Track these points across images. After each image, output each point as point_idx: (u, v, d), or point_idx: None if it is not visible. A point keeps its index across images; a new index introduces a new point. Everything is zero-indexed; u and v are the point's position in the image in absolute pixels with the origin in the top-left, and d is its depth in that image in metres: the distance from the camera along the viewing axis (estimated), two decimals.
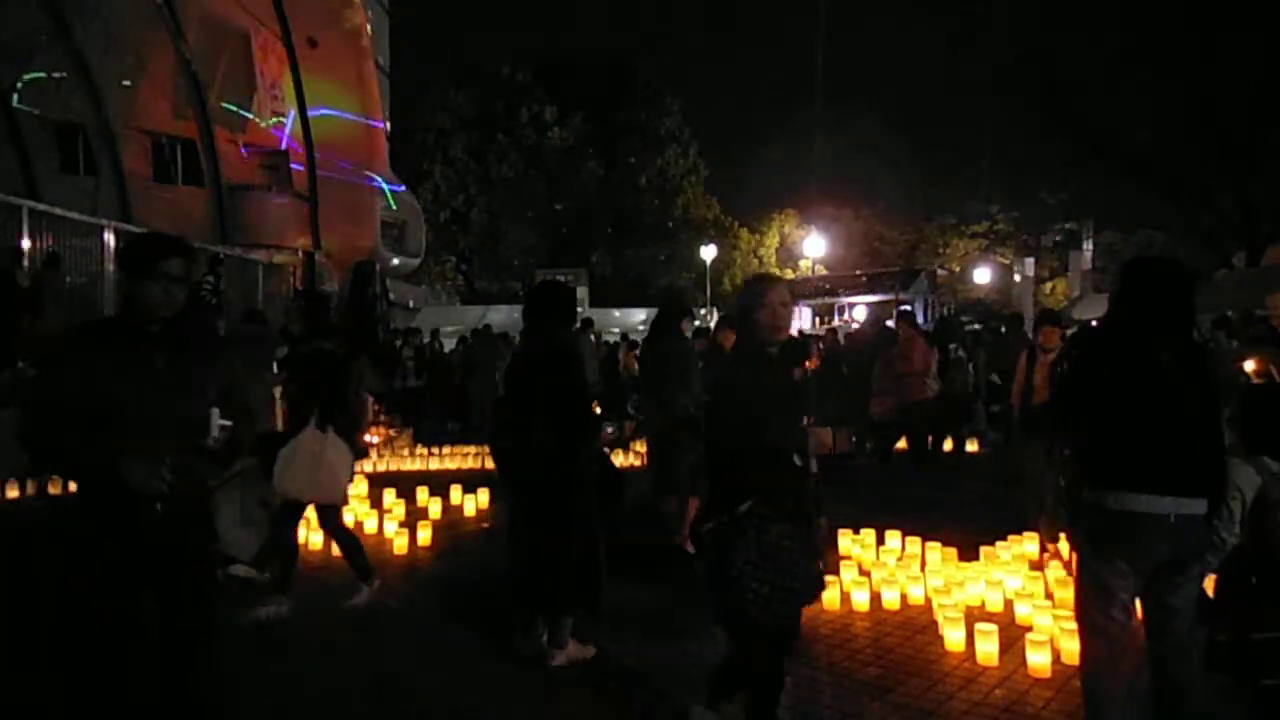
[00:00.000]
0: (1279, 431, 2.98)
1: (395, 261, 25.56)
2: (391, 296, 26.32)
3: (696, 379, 6.05)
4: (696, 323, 24.49)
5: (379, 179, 23.70)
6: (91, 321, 3.22)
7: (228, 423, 2.77)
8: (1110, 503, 2.76)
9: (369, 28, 23.72)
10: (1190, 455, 2.72)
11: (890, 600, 4.81)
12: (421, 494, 7.45)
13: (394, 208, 24.98)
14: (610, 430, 5.97)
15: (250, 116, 21.04)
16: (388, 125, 26.54)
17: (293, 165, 21.32)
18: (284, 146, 21.71)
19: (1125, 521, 2.74)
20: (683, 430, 5.86)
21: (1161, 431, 2.72)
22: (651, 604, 4.96)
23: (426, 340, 15.82)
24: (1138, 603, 2.86)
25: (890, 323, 13.42)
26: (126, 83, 18.98)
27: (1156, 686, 2.83)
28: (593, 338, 15.10)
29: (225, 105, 20.45)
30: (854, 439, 9.65)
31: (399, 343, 14.70)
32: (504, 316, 24.09)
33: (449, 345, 16.56)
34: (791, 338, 3.20)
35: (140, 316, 2.68)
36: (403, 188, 26.77)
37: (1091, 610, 2.86)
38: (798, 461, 2.94)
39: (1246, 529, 2.90)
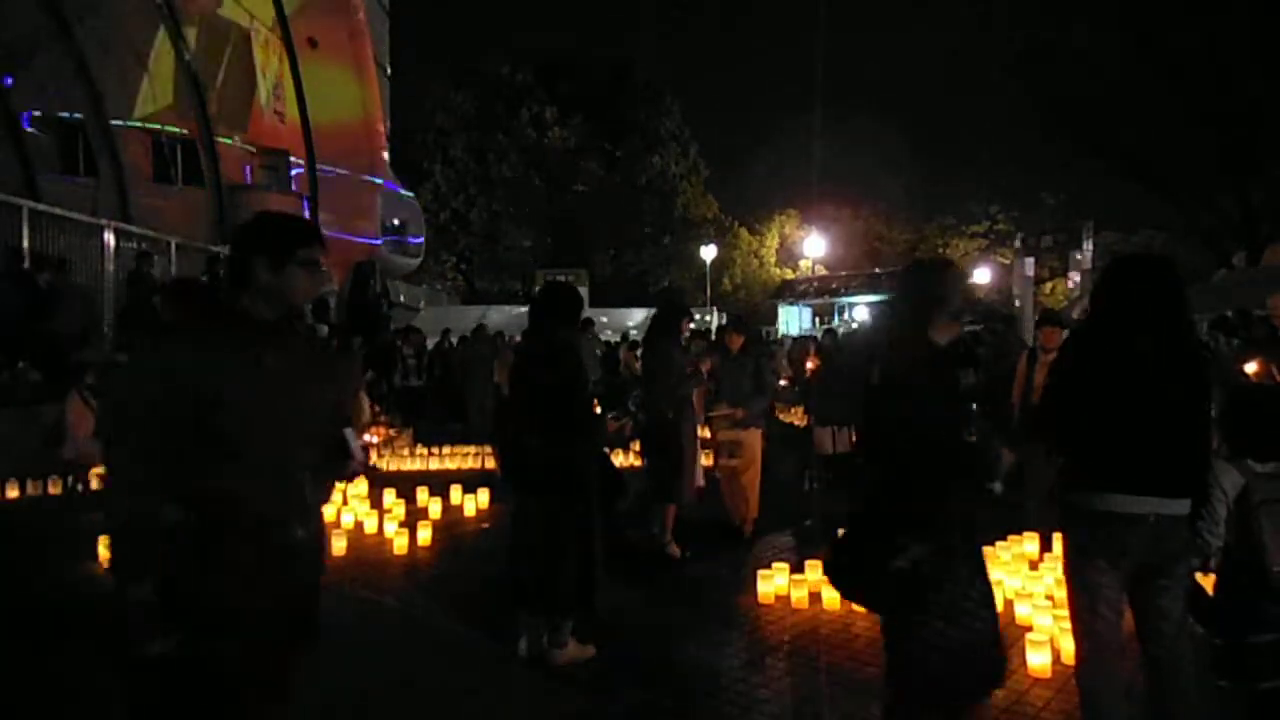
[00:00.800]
0: (1261, 432, 2.96)
1: (397, 260, 25.62)
2: (403, 298, 26.35)
3: (686, 382, 6.01)
4: (711, 320, 24.25)
5: (380, 179, 23.72)
6: (192, 317, 2.69)
7: (368, 439, 2.34)
8: (1091, 503, 2.76)
9: (369, 28, 23.71)
10: (1172, 455, 2.70)
11: None
12: (421, 494, 7.45)
13: (401, 196, 25.03)
14: (613, 416, 5.96)
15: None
16: (388, 125, 26.55)
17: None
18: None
19: (1106, 522, 2.73)
20: (660, 433, 5.82)
21: (1142, 431, 2.70)
22: (651, 604, 4.96)
23: (437, 340, 15.71)
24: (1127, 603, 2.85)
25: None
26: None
27: (1151, 689, 2.82)
28: (591, 337, 15.08)
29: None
30: (854, 439, 9.63)
31: (398, 342, 14.64)
32: (504, 316, 24.13)
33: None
34: (961, 339, 2.82)
35: (268, 313, 2.21)
36: (411, 196, 26.81)
37: (1080, 611, 2.86)
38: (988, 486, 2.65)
39: (1232, 530, 2.89)
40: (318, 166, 21.50)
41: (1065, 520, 2.91)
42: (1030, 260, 33.68)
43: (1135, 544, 2.71)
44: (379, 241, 23.53)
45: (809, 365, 14.00)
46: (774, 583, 4.96)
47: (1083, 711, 2.90)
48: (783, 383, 11.89)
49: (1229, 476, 2.89)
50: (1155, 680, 2.80)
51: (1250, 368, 6.59)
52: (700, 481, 6.33)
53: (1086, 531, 2.80)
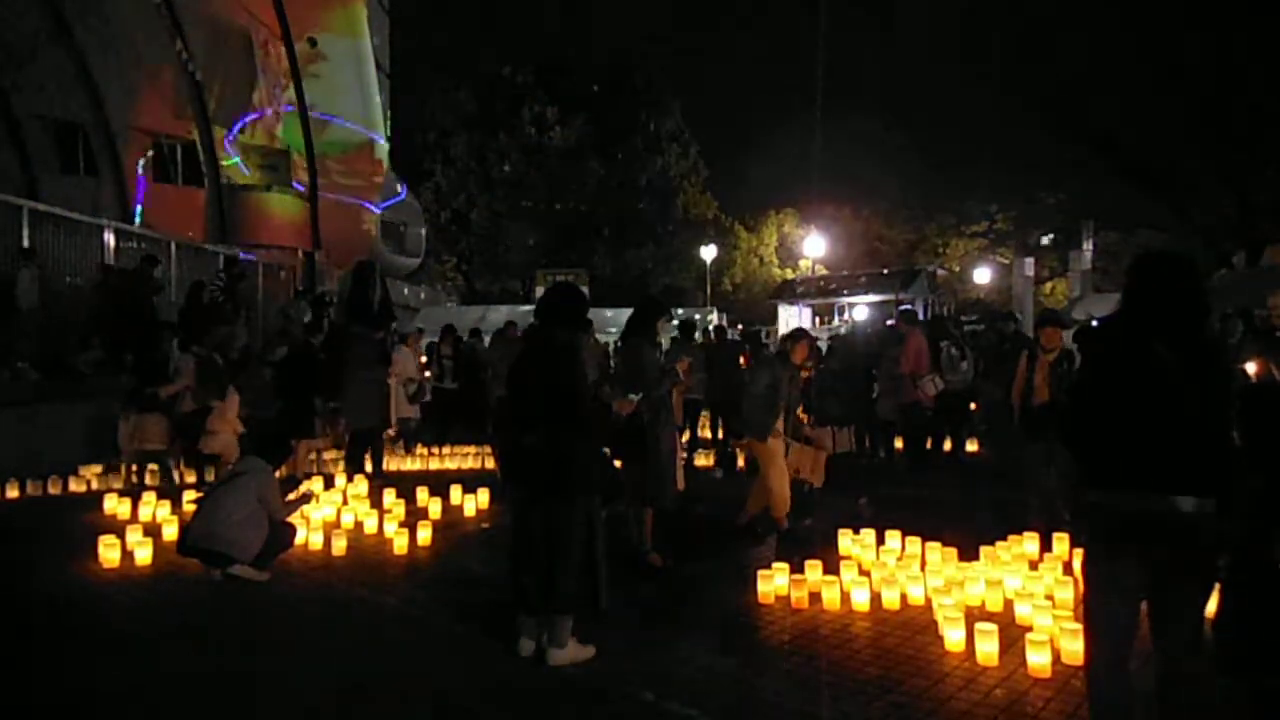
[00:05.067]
0: (1267, 431, 2.96)
1: (397, 261, 25.65)
2: (407, 296, 26.34)
3: (661, 382, 5.73)
4: (715, 320, 24.26)
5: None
6: None
7: None
8: (1116, 501, 2.75)
9: (369, 28, 23.69)
10: (1193, 453, 2.70)
11: (890, 600, 4.81)
12: (421, 494, 7.46)
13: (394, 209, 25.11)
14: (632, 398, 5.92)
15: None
16: (388, 128, 26.54)
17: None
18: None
19: (1127, 520, 2.73)
20: (636, 435, 5.58)
21: (1163, 429, 2.70)
22: (651, 604, 4.96)
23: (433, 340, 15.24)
24: (1144, 603, 2.85)
25: (890, 322, 13.39)
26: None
27: (1162, 686, 2.81)
28: (596, 338, 14.97)
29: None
30: (854, 439, 9.64)
31: (435, 341, 14.36)
32: (503, 316, 24.15)
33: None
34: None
35: None
36: (404, 194, 26.76)
37: (1096, 607, 2.86)
38: None
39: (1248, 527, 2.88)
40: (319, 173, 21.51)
41: (1092, 519, 2.89)
42: (1030, 260, 33.66)
43: (1158, 543, 2.70)
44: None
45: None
46: (774, 583, 4.96)
47: (1090, 707, 2.90)
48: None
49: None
50: (1169, 679, 2.79)
51: (1250, 368, 6.61)
52: (680, 484, 6.19)
53: (1115, 530, 2.78)
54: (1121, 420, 2.75)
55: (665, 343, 8.82)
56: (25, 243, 10.85)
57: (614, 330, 21.04)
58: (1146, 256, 2.99)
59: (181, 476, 8.78)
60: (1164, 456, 2.70)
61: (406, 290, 27.68)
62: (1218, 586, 2.96)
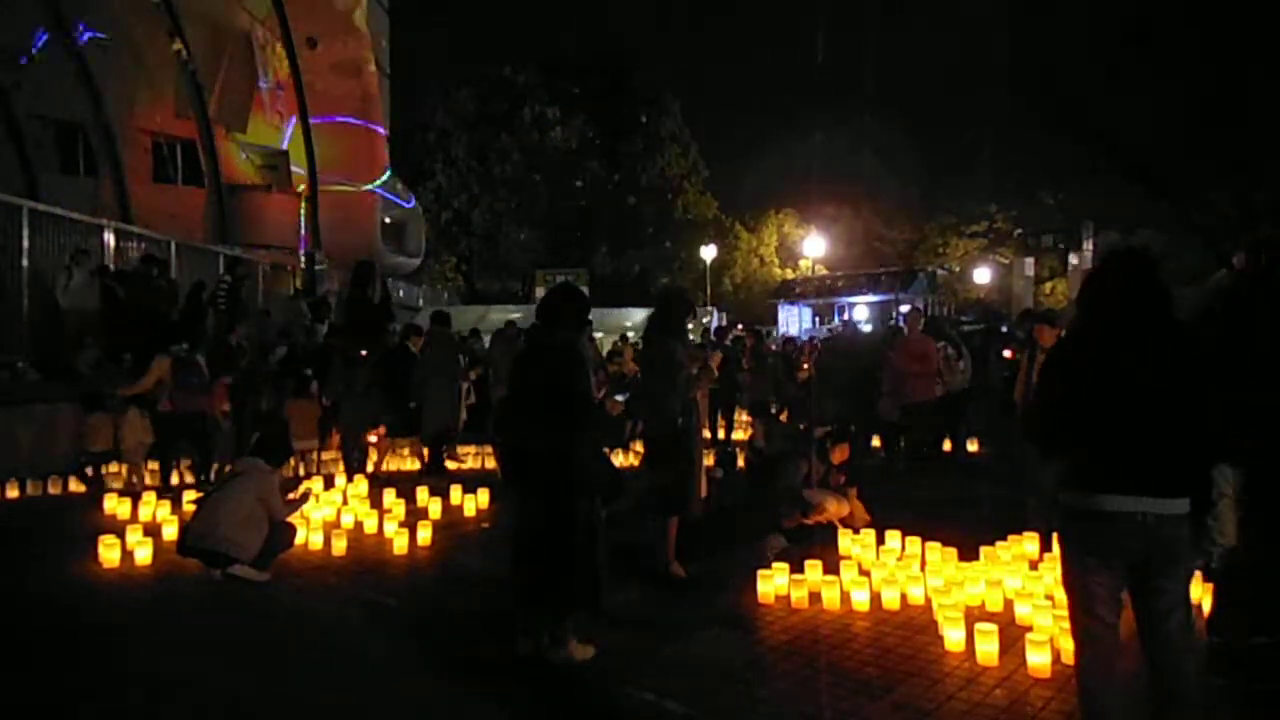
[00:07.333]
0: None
1: (397, 261, 25.63)
2: (417, 300, 26.28)
3: (691, 383, 5.48)
4: (715, 320, 23.97)
5: (380, 190, 23.71)
6: None
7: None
8: (1083, 503, 2.75)
9: (368, 28, 23.66)
10: (1164, 454, 2.68)
11: (890, 600, 4.81)
12: (421, 494, 7.46)
13: (401, 206, 25.12)
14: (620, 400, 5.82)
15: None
16: (388, 126, 26.50)
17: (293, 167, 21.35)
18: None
19: (1097, 521, 2.72)
20: (670, 442, 5.37)
21: (1131, 431, 2.68)
22: (651, 603, 4.96)
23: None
24: (1126, 603, 2.84)
25: (892, 322, 13.41)
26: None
27: (1153, 688, 2.81)
28: (598, 336, 14.96)
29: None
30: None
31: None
32: (503, 316, 24.18)
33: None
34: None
35: None
36: (412, 202, 26.80)
37: (1077, 611, 2.85)
38: None
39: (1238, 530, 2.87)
40: (318, 170, 21.47)
41: (1061, 520, 2.90)
42: (1030, 260, 33.71)
43: (1128, 543, 2.70)
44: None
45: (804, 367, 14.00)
46: (774, 583, 4.96)
47: (1081, 712, 2.90)
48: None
49: (1227, 475, 2.87)
50: (1155, 680, 2.79)
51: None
52: (705, 491, 6.02)
53: (1079, 531, 2.79)
54: (1093, 423, 2.74)
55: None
56: (25, 242, 10.87)
57: (614, 331, 21.08)
58: (1102, 258, 2.98)
59: (130, 477, 8.69)
60: (1130, 458, 2.69)
61: (405, 291, 27.68)
62: (1210, 588, 2.96)
